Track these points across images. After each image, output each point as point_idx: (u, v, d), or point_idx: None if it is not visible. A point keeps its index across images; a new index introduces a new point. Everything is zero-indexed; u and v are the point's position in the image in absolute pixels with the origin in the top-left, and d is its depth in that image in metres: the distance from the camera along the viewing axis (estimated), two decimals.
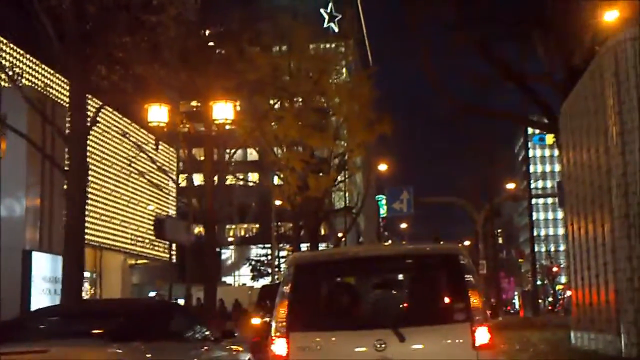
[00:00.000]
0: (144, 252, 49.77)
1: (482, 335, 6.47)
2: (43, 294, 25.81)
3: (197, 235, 29.31)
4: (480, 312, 6.55)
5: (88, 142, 15.18)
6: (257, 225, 72.96)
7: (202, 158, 28.02)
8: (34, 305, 22.82)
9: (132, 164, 27.14)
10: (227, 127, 28.56)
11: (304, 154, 33.96)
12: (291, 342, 6.59)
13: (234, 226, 76.92)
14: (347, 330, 6.71)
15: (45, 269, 26.02)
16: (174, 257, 36.28)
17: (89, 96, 15.59)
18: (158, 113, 19.84)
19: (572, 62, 18.77)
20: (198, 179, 25.94)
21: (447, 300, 6.96)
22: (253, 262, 71.25)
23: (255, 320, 20.90)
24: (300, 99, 32.59)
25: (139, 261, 53.62)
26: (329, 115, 35.42)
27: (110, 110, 38.93)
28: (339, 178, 39.63)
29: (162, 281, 44.78)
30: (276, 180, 39.46)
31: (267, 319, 21.27)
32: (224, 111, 20.24)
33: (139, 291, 51.01)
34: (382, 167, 48.42)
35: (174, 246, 34.11)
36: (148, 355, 7.44)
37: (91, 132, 15.36)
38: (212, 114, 20.37)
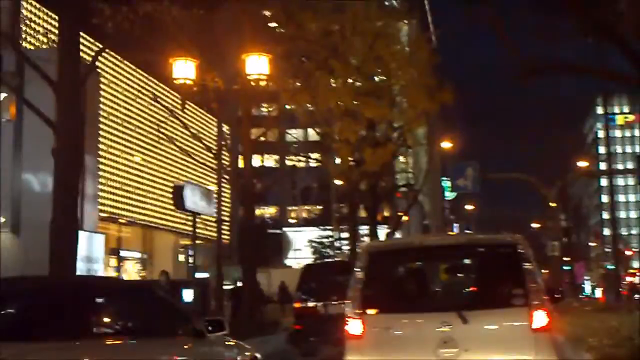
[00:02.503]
0: (197, 232, 48.03)
1: (540, 318, 6.99)
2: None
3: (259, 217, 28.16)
4: (538, 297, 7.05)
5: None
6: (319, 207, 71.20)
7: (262, 139, 26.63)
8: None
9: (163, 131, 24.80)
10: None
11: (358, 124, 31.51)
12: (365, 323, 7.19)
13: (295, 208, 75.71)
14: (415, 312, 7.38)
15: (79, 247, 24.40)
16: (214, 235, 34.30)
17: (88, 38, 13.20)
18: (184, 69, 17.42)
19: None
20: (257, 159, 24.25)
21: (507, 286, 7.45)
22: (314, 245, 69.99)
23: (297, 305, 17.93)
24: (354, 64, 29.99)
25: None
26: (386, 82, 32.71)
27: (164, 87, 36.91)
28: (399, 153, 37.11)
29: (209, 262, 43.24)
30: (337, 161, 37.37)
31: (311, 304, 18.34)
32: (258, 65, 17.56)
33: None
34: (446, 144, 45.70)
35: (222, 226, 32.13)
36: None
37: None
38: (244, 69, 17.75)
